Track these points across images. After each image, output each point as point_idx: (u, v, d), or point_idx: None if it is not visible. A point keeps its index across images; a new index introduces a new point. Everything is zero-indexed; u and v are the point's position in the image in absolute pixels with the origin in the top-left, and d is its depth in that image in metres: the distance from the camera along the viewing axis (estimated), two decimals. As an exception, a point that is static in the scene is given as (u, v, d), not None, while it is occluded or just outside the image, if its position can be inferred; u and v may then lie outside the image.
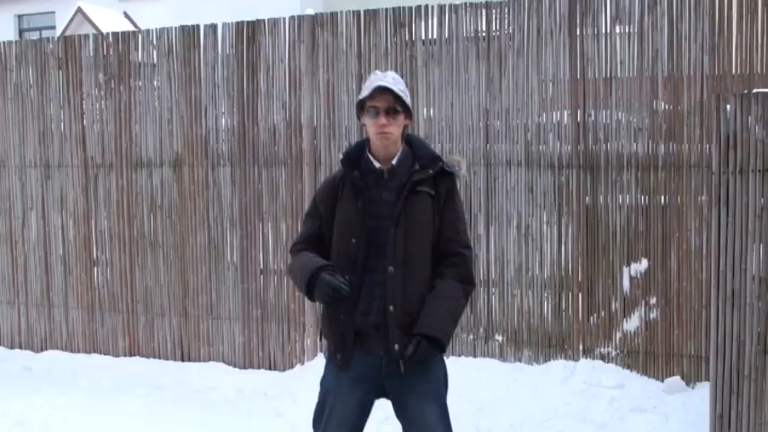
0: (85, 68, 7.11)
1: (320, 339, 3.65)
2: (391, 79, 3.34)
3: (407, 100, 3.36)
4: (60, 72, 7.21)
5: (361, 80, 6.24)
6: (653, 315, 5.64)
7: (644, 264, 5.65)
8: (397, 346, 3.24)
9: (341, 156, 3.49)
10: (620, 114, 5.70)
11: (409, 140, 3.46)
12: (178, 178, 6.84)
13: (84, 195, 7.18)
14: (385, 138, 3.33)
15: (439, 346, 3.25)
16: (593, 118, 5.73)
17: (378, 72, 3.45)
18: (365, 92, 3.33)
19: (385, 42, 6.19)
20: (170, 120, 6.84)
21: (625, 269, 5.69)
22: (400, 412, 3.40)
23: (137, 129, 6.97)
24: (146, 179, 6.95)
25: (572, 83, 5.77)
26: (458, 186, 3.46)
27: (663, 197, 5.60)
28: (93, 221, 7.20)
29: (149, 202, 6.96)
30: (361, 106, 3.38)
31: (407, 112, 3.38)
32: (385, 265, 3.27)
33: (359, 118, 3.46)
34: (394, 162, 3.37)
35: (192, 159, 6.78)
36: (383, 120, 3.30)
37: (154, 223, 6.96)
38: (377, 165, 3.38)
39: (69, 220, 7.27)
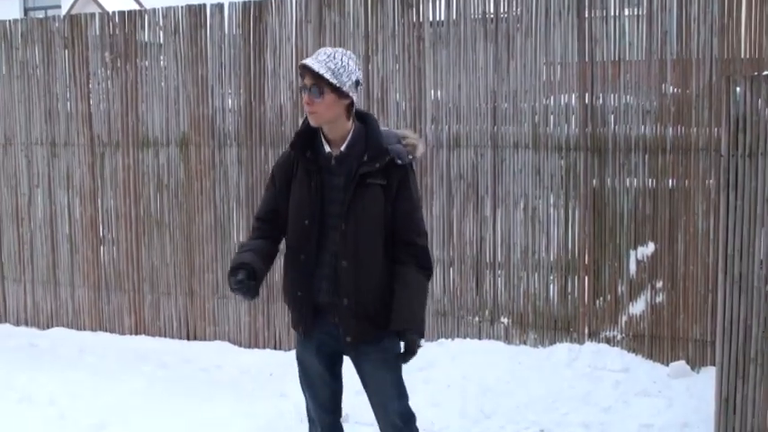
0: (92, 47, 7.09)
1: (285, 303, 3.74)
2: (324, 56, 3.22)
3: (337, 78, 3.19)
4: (66, 51, 7.20)
5: (368, 62, 6.22)
6: (659, 299, 5.63)
7: (651, 247, 5.64)
8: (349, 339, 3.36)
9: (293, 135, 3.43)
10: (628, 97, 5.67)
11: (364, 119, 3.38)
12: (185, 158, 6.83)
13: (90, 174, 7.19)
14: (312, 117, 3.26)
15: (419, 334, 3.34)
16: (601, 101, 5.70)
17: (323, 49, 3.33)
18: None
19: (392, 23, 6.16)
20: (176, 99, 6.82)
21: (632, 252, 5.68)
22: (359, 376, 3.53)
23: (143, 108, 6.95)
24: (152, 158, 6.95)
25: (580, 65, 5.73)
26: (414, 170, 3.40)
27: (671, 180, 5.58)
28: (99, 200, 7.20)
29: (156, 182, 6.96)
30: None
31: (339, 91, 3.21)
32: (337, 254, 3.29)
33: None
34: (343, 148, 3.31)
35: (198, 139, 6.77)
36: (306, 97, 3.23)
37: (160, 202, 6.96)
38: (327, 149, 3.33)
39: (76, 198, 7.28)
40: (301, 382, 3.61)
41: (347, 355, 3.50)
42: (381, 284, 3.35)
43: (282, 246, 3.50)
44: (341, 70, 3.21)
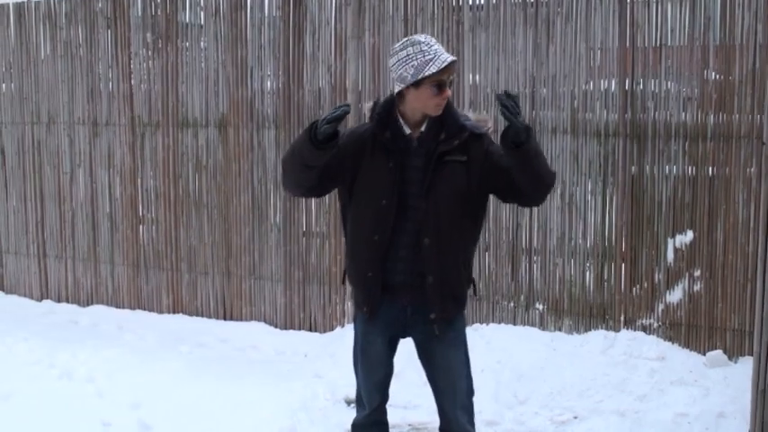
0: (134, 28, 7.16)
1: (343, 283, 3.77)
2: (445, 48, 3.28)
3: None
4: (109, 31, 7.27)
5: (407, 44, 6.19)
6: (697, 287, 5.58)
7: (689, 235, 5.59)
8: (433, 315, 3.35)
9: (369, 112, 3.39)
10: (669, 84, 5.60)
11: None
12: (223, 139, 6.88)
13: (130, 153, 7.27)
14: (440, 108, 3.26)
15: (528, 132, 3.07)
16: (641, 87, 5.64)
17: (420, 41, 3.23)
18: (432, 67, 3.14)
19: (432, 6, 6.13)
20: (216, 80, 6.87)
21: (670, 240, 5.63)
22: (425, 357, 3.52)
23: (183, 89, 7.01)
24: (191, 139, 7.00)
25: (621, 50, 5.67)
26: (492, 140, 3.37)
27: (711, 168, 5.51)
28: (139, 179, 7.29)
29: (195, 162, 7.02)
30: (419, 81, 3.19)
31: None
32: (414, 231, 3.29)
33: (400, 89, 3.25)
34: (423, 129, 3.32)
35: (237, 121, 6.81)
36: (448, 92, 3.23)
37: (199, 183, 7.02)
38: (407, 130, 3.33)
39: (116, 177, 7.37)
40: (357, 362, 3.60)
41: (413, 336, 3.49)
42: (465, 262, 3.38)
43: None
44: None
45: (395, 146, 3.31)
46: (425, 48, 3.19)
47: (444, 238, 3.29)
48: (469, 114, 3.48)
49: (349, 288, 6.44)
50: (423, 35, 3.32)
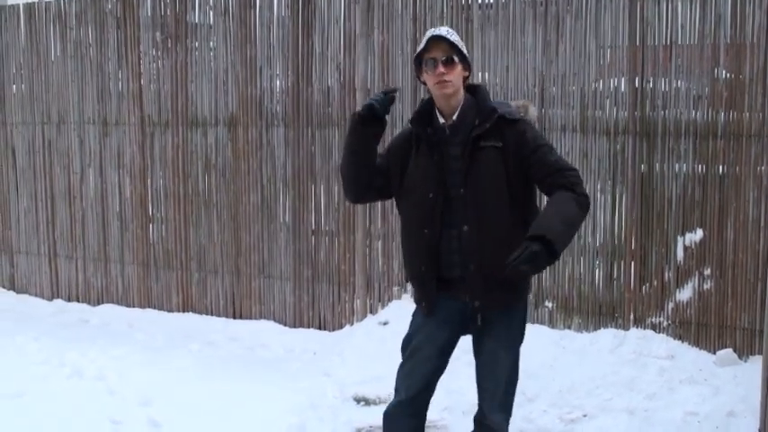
0: (143, 28, 7.18)
1: (407, 281, 3.80)
2: (445, 31, 3.34)
3: (464, 50, 3.36)
4: (118, 31, 7.29)
5: (415, 43, 6.19)
6: (707, 286, 5.56)
7: (699, 234, 5.57)
8: (477, 303, 3.35)
9: (411, 115, 3.50)
10: (679, 82, 5.58)
11: (474, 91, 3.44)
12: (233, 138, 6.89)
13: (140, 153, 7.29)
14: (444, 87, 3.31)
15: (547, 245, 3.00)
16: (651, 85, 5.62)
17: (431, 28, 3.46)
18: (420, 45, 3.34)
19: (441, 4, 6.13)
20: (225, 80, 6.88)
21: (679, 239, 5.61)
22: (477, 351, 3.51)
23: (192, 88, 7.03)
24: (201, 138, 7.02)
25: (631, 48, 5.65)
26: (531, 126, 3.38)
27: (721, 166, 5.49)
28: (149, 179, 7.31)
29: (204, 161, 7.03)
30: (419, 62, 3.37)
31: (465, 62, 3.37)
32: (460, 222, 3.32)
33: (418, 78, 3.44)
34: (455, 117, 3.36)
35: (246, 119, 6.83)
36: (441, 68, 3.28)
37: (208, 182, 7.04)
38: (441, 120, 3.38)
39: (126, 176, 7.39)
40: (407, 348, 3.54)
41: (472, 331, 3.47)
42: (510, 249, 3.22)
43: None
44: (462, 43, 3.37)
45: (435, 138, 3.37)
46: (428, 33, 3.37)
47: (485, 224, 3.29)
48: (511, 102, 3.56)
49: (358, 286, 6.47)
50: (439, 27, 3.43)
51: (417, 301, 3.54)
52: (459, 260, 3.35)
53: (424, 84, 3.43)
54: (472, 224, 3.30)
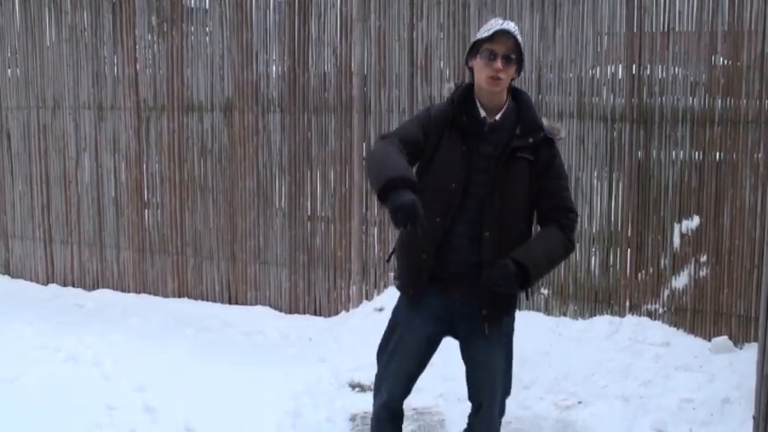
0: (138, 12, 7.13)
1: (388, 261, 3.75)
2: (513, 26, 3.24)
3: (523, 51, 3.28)
4: (114, 15, 7.24)
5: (412, 28, 6.18)
6: (702, 273, 5.56)
7: (696, 221, 5.56)
8: (485, 312, 3.27)
9: (448, 95, 3.39)
10: (676, 69, 5.57)
11: (517, 95, 3.36)
12: (228, 123, 6.87)
13: (136, 138, 7.26)
14: (495, 84, 3.21)
15: (524, 274, 3.08)
16: (648, 72, 5.60)
17: (498, 18, 3.34)
18: (485, 33, 3.21)
19: (438, -11, 6.10)
20: (221, 64, 6.85)
21: (676, 226, 5.61)
22: (467, 354, 3.44)
23: (188, 73, 6.99)
24: (196, 123, 6.99)
25: (628, 35, 5.64)
26: (559, 151, 3.35)
27: (718, 153, 5.48)
28: (144, 164, 7.28)
29: (200, 146, 7.01)
30: (475, 48, 3.27)
31: (520, 64, 3.28)
32: (471, 221, 3.23)
33: (467, 61, 3.33)
34: (498, 117, 3.27)
35: (242, 104, 6.80)
36: (499, 64, 3.18)
37: (204, 167, 7.02)
38: (482, 113, 3.28)
39: (122, 161, 7.36)
40: (387, 347, 3.49)
41: (459, 331, 3.39)
42: None
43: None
44: (522, 43, 3.28)
45: (470, 129, 3.27)
46: (493, 22, 3.26)
47: (505, 233, 3.22)
48: (543, 120, 3.45)
49: (354, 272, 6.46)
50: (506, 20, 3.31)
51: (404, 287, 3.41)
52: (458, 258, 3.26)
53: (470, 69, 3.32)
54: (494, 232, 3.21)
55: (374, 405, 3.59)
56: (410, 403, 4.81)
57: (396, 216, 2.89)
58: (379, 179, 2.96)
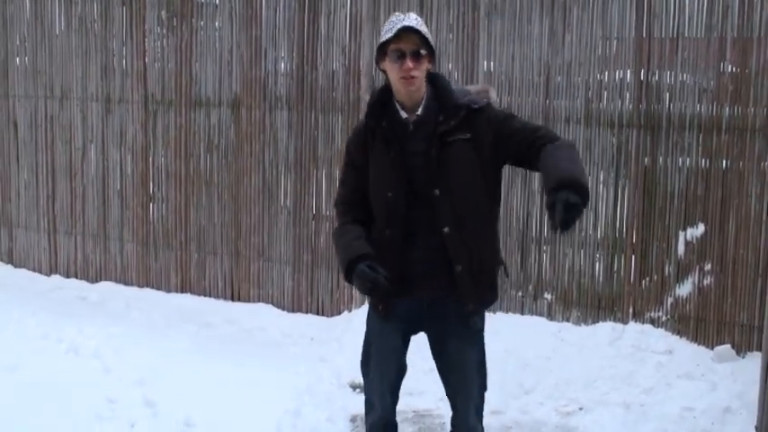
0: (149, 5, 7.13)
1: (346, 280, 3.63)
2: (414, 20, 3.13)
3: (432, 41, 3.17)
4: (124, 8, 7.24)
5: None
6: (707, 281, 5.54)
7: (701, 228, 5.54)
8: (471, 306, 3.22)
9: (366, 106, 3.31)
10: (685, 75, 5.55)
11: (434, 81, 3.23)
12: (236, 119, 6.86)
13: (143, 131, 7.26)
14: (410, 83, 3.11)
15: (577, 188, 2.79)
16: (656, 77, 5.59)
17: (398, 13, 3.22)
18: (389, 33, 3.09)
19: (448, -10, 6.09)
20: (230, 60, 6.84)
21: (681, 233, 5.59)
22: (439, 353, 3.37)
23: (197, 68, 6.99)
24: (204, 118, 6.99)
25: (637, 40, 5.62)
26: (495, 108, 3.23)
27: (724, 161, 5.46)
28: (150, 157, 7.28)
29: (206, 142, 7.00)
30: (383, 50, 3.15)
31: (432, 54, 3.17)
32: (428, 219, 3.14)
33: (378, 64, 3.22)
34: (419, 112, 3.17)
35: (250, 101, 6.79)
36: (409, 63, 3.08)
37: (210, 162, 7.01)
38: (403, 115, 3.19)
39: (128, 154, 7.36)
40: (368, 361, 3.43)
41: (428, 330, 3.35)
42: (492, 245, 3.24)
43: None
44: (429, 34, 3.18)
45: (393, 134, 3.18)
46: (395, 19, 3.16)
47: (465, 223, 3.13)
48: (470, 88, 3.37)
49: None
50: (407, 13, 3.22)
51: (374, 304, 3.34)
52: (422, 258, 3.17)
53: (384, 72, 3.22)
54: (453, 225, 3.12)
55: (368, 421, 3.51)
56: (411, 406, 4.85)
57: (364, 293, 3.16)
58: (342, 267, 3.17)
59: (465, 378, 3.33)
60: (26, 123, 7.84)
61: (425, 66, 3.16)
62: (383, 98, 3.25)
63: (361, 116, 3.40)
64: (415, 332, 3.41)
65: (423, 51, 3.12)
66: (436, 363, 3.41)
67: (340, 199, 3.40)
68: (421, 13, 6.12)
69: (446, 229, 3.13)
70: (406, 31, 3.09)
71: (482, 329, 3.37)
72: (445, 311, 3.26)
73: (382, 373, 3.40)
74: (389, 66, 3.15)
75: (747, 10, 5.33)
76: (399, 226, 3.17)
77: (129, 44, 7.26)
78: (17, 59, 7.85)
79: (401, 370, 3.43)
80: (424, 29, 3.14)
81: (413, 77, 3.11)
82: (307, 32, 6.57)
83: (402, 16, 3.17)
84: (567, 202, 2.74)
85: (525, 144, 3.11)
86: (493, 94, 3.31)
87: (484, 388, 3.41)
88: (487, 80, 5.98)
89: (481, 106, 3.17)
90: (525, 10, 5.88)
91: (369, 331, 3.45)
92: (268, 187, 6.80)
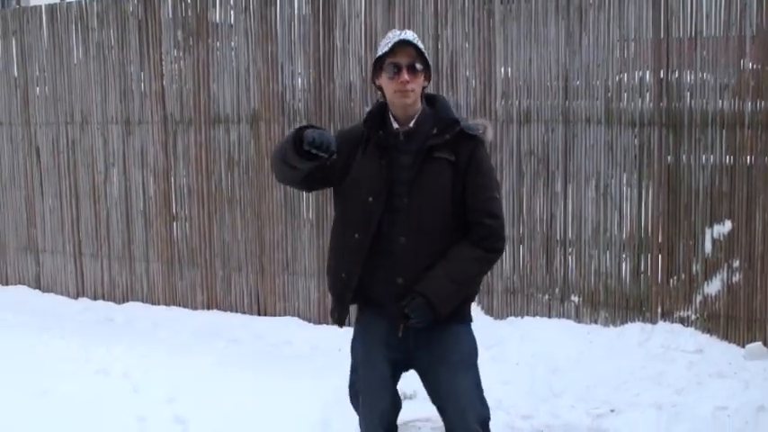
0: (164, 28, 7.18)
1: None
2: (411, 35, 3.16)
3: (428, 57, 3.20)
4: (140, 32, 7.30)
5: (437, 38, 6.17)
6: (735, 278, 5.49)
7: (727, 225, 5.50)
8: (413, 320, 3.12)
9: (366, 113, 3.32)
10: (705, 74, 5.51)
11: (432, 101, 3.27)
12: (255, 135, 6.89)
13: (163, 151, 7.30)
14: (405, 96, 3.12)
15: (431, 307, 3.03)
16: (676, 76, 5.56)
17: (395, 30, 3.27)
18: (385, 47, 3.13)
19: (462, -2, 6.09)
20: (247, 77, 6.88)
21: (707, 231, 5.55)
22: (430, 387, 3.32)
23: (214, 86, 7.02)
24: (223, 135, 7.02)
25: (655, 40, 5.59)
26: (486, 150, 3.24)
27: (749, 156, 5.41)
28: (172, 177, 7.32)
29: (227, 159, 7.03)
30: (379, 65, 3.18)
31: (428, 70, 3.19)
32: (398, 233, 3.12)
33: (374, 80, 3.24)
34: (411, 124, 3.18)
35: (268, 116, 6.82)
36: (405, 76, 3.09)
37: (231, 179, 7.04)
38: (395, 126, 3.19)
39: (150, 175, 7.40)
40: (356, 390, 3.40)
41: (416, 354, 3.25)
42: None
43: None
44: (426, 51, 3.21)
45: (386, 142, 3.18)
46: (391, 35, 3.18)
47: (424, 238, 3.10)
48: (468, 119, 3.38)
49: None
50: (404, 30, 3.25)
51: (331, 310, 3.34)
52: (384, 276, 3.14)
53: (380, 89, 3.23)
54: (410, 236, 3.09)
55: None
56: (414, 413, 4.79)
57: (312, 143, 2.91)
58: (287, 139, 3.06)
59: (462, 410, 3.26)
60: (48, 150, 7.91)
61: (421, 81, 3.18)
62: (381, 110, 3.26)
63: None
64: (407, 365, 3.34)
65: (419, 66, 3.14)
66: (430, 397, 3.36)
67: None
68: (436, 22, 6.14)
69: (402, 239, 3.12)
70: (402, 44, 3.12)
71: (474, 354, 3.32)
72: (432, 339, 3.20)
73: (373, 403, 3.36)
74: (385, 81, 3.18)
75: (765, 6, 5.29)
76: (370, 233, 3.14)
77: (146, 67, 7.31)
78: (37, 89, 7.92)
79: (393, 400, 3.38)
80: (420, 44, 3.16)
81: (408, 91, 3.12)
82: (322, 46, 6.59)
83: (399, 32, 3.20)
84: (417, 308, 3.03)
85: (471, 213, 3.14)
86: (490, 133, 3.27)
87: (485, 414, 3.33)
88: (505, 84, 5.98)
89: (474, 134, 3.18)
90: (541, 13, 5.87)
91: (353, 361, 3.43)
92: (290, 201, 6.81)
